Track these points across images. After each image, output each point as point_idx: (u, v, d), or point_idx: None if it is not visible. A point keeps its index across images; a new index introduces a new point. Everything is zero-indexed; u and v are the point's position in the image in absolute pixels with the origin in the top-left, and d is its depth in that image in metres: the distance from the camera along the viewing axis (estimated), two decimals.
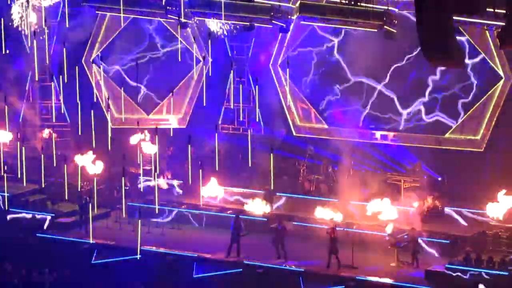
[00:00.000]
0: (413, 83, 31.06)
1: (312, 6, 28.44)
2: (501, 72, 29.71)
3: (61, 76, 32.45)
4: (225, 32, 32.30)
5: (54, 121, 33.90)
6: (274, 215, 29.29)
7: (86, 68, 33.94)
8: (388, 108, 31.63)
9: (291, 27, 30.49)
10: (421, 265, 25.96)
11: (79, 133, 31.00)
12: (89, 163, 29.79)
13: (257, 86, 31.76)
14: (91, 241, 27.70)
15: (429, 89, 30.88)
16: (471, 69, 29.89)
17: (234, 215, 28.02)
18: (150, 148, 31.38)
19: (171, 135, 33.35)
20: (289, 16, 29.66)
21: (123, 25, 31.97)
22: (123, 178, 27.96)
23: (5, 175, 30.06)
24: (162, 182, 31.31)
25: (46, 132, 34.17)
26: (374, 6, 27.44)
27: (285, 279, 25.86)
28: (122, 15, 31.11)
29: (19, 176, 29.94)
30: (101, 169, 30.09)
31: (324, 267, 25.99)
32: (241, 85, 33.54)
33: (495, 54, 29.48)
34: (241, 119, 33.74)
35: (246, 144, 29.88)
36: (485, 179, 28.84)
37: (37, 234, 28.97)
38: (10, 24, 32.85)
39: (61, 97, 33.41)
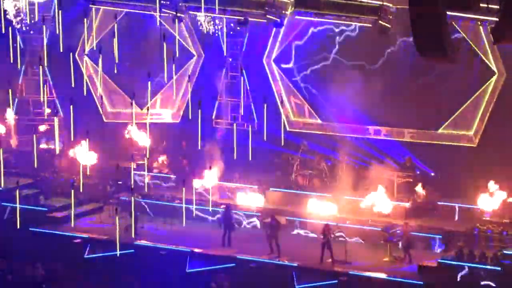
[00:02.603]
0: (407, 78, 31.04)
1: (306, 0, 28.42)
2: (494, 68, 29.73)
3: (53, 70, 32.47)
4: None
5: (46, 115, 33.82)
6: (268, 210, 29.30)
7: (79, 62, 33.84)
8: (382, 103, 31.62)
9: (285, 22, 30.46)
10: (414, 260, 26.01)
11: (72, 128, 30.89)
12: (83, 155, 29.82)
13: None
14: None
15: (422, 84, 30.91)
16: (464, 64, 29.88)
17: (224, 207, 28.24)
18: (143, 140, 31.34)
19: (165, 129, 33.40)
20: (283, 11, 29.64)
21: (117, 19, 31.90)
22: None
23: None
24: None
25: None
26: (368, 0, 27.45)
27: (278, 274, 25.88)
28: (115, 9, 31.08)
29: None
30: (95, 161, 30.11)
31: (317, 262, 26.03)
32: (234, 80, 33.52)
33: (488, 49, 29.49)
34: (234, 114, 33.72)
35: (239, 139, 29.88)
36: (478, 174, 28.87)
37: (30, 229, 28.90)
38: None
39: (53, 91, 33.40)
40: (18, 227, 26.97)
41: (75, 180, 29.13)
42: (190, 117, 30.21)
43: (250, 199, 30.18)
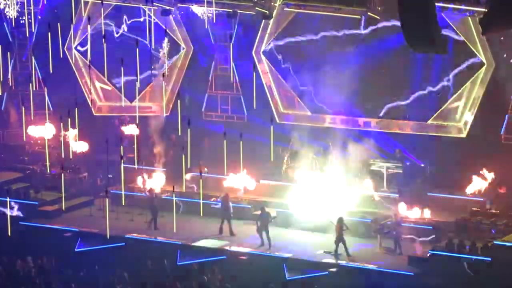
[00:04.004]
0: (398, 70, 31.10)
1: None
2: (483, 58, 29.78)
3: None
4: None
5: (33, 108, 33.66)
6: (258, 202, 29.33)
7: (68, 55, 33.71)
8: (372, 95, 31.69)
9: (274, 14, 30.42)
10: (404, 251, 26.09)
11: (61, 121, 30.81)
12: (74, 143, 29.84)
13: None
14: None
15: (413, 76, 30.98)
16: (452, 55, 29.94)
17: (222, 197, 28.47)
18: (131, 130, 31.35)
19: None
20: (272, 3, 29.63)
21: (105, 12, 31.79)
22: None
23: None
24: None
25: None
26: None
27: (269, 266, 25.92)
28: (104, 2, 30.95)
29: None
30: (86, 149, 30.11)
31: (308, 254, 26.12)
32: (224, 73, 33.51)
33: (477, 40, 29.52)
34: (224, 106, 33.72)
35: (230, 132, 29.85)
36: (468, 165, 28.98)
37: (20, 222, 28.85)
38: None
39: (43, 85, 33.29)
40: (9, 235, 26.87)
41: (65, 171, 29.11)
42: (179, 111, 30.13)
43: (241, 182, 30.05)
